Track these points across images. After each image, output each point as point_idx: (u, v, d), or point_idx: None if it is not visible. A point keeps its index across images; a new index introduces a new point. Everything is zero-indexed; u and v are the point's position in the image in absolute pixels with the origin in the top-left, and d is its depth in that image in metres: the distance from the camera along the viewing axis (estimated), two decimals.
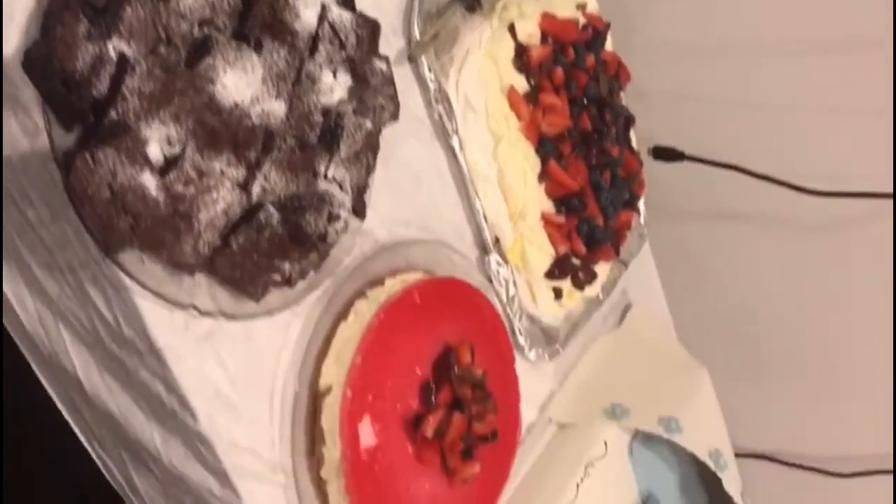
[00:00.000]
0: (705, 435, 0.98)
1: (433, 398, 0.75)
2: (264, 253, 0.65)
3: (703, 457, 0.96)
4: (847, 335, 1.30)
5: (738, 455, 1.46)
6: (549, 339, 0.97)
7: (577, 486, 0.93)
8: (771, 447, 1.47)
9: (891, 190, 1.07)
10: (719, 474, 0.96)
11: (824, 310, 1.29)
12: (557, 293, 0.96)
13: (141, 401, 0.69)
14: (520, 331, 0.92)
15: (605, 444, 0.97)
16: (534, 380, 0.98)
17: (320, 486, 0.73)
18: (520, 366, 0.93)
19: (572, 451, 0.96)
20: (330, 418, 0.71)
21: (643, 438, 1.02)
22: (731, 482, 0.97)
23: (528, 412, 0.97)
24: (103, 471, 0.78)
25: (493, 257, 0.89)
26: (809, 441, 1.43)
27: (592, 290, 0.99)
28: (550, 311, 0.96)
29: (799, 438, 1.45)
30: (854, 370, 1.33)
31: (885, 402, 1.30)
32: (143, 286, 0.61)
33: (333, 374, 0.72)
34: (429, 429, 0.75)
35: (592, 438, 0.97)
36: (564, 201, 0.93)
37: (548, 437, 0.98)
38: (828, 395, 1.38)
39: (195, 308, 0.64)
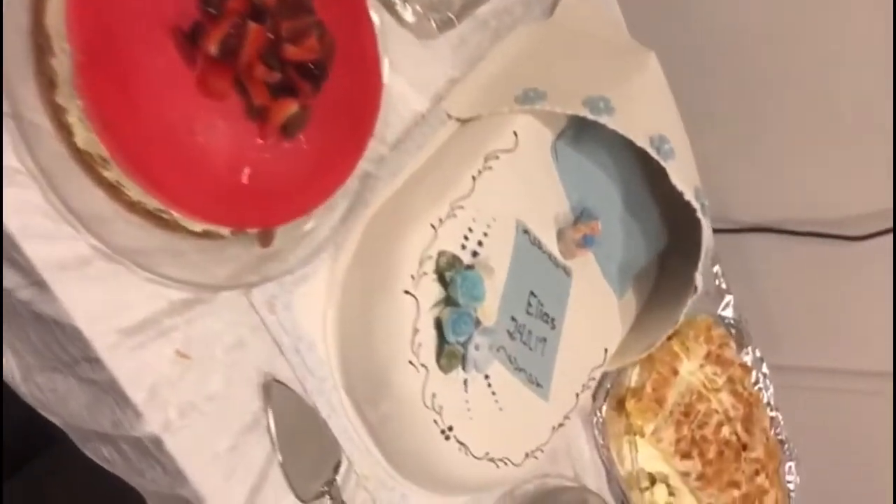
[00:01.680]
0: (645, 118, 0.77)
1: (218, 4, 0.55)
2: None
3: (641, 142, 0.74)
4: (853, 68, 1.07)
5: (737, 230, 1.27)
6: (435, 4, 0.75)
7: (473, 179, 0.72)
8: (773, 217, 1.25)
9: None
10: (662, 162, 0.75)
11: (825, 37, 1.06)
12: None
13: None
14: None
15: (515, 134, 0.76)
16: (421, 56, 0.77)
17: (58, 117, 0.53)
18: (397, 31, 0.72)
19: (470, 142, 0.75)
20: (56, 15, 0.51)
21: (570, 138, 0.81)
22: (679, 172, 0.75)
23: (415, 99, 0.77)
24: None
25: None
26: (816, 205, 1.21)
27: None
28: None
29: (804, 204, 1.23)
30: (863, 111, 1.10)
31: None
32: None
33: None
34: (211, 42, 0.54)
35: (497, 128, 0.76)
36: None
37: (445, 135, 0.77)
38: (832, 147, 1.16)
39: None
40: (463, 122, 0.78)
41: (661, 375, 0.96)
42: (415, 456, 0.70)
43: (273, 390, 0.64)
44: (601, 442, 0.93)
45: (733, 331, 1.11)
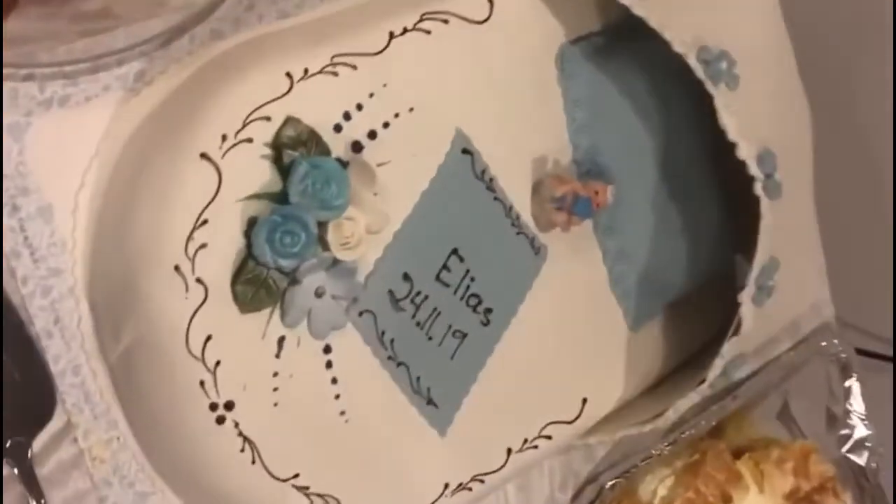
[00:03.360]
0: (702, 21, 0.47)
1: None
2: None
3: (680, 45, 0.44)
4: None
5: None
6: None
7: (391, 36, 0.45)
8: None
9: None
10: (711, 88, 0.44)
11: None
12: None
13: None
14: None
15: (490, 2, 0.48)
16: None
17: None
18: None
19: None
20: None
21: (594, 50, 0.52)
22: (739, 111, 0.44)
23: None
24: None
25: None
26: None
27: None
28: None
29: None
30: None
31: None
32: None
33: None
34: None
35: None
36: None
37: None
38: None
39: None
40: None
41: (700, 497, 0.61)
42: (168, 437, 0.42)
43: None
44: None
45: (859, 481, 0.73)
